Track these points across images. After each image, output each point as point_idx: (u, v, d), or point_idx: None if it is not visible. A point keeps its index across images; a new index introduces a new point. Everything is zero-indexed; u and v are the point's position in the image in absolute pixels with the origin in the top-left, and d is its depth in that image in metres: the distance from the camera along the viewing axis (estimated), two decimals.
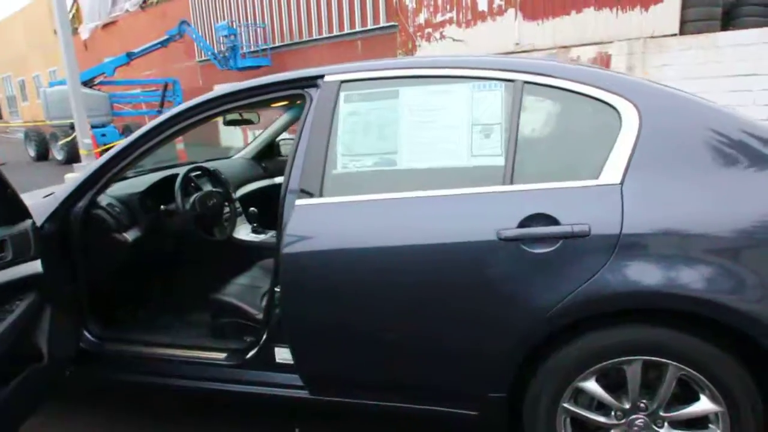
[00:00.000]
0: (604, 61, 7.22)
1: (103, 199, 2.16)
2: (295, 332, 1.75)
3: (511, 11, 9.20)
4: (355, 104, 1.77)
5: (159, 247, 2.45)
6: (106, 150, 10.87)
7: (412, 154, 1.69)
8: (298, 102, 2.53)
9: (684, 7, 7.20)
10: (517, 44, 8.66)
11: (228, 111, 1.97)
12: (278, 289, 1.81)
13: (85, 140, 6.52)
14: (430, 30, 10.16)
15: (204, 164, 2.70)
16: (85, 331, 2.11)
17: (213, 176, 2.59)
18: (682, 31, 6.92)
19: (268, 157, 3.40)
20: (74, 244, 2.03)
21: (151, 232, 2.29)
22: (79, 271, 2.06)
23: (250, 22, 12.72)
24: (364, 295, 1.65)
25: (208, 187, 2.48)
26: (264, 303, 2.21)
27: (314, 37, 11.59)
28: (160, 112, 12.66)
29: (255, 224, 2.74)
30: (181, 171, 2.38)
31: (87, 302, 2.11)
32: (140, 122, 13.44)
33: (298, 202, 1.72)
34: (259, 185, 3.26)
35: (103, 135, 11.04)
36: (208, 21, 14.24)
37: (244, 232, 2.74)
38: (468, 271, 1.55)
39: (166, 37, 12.27)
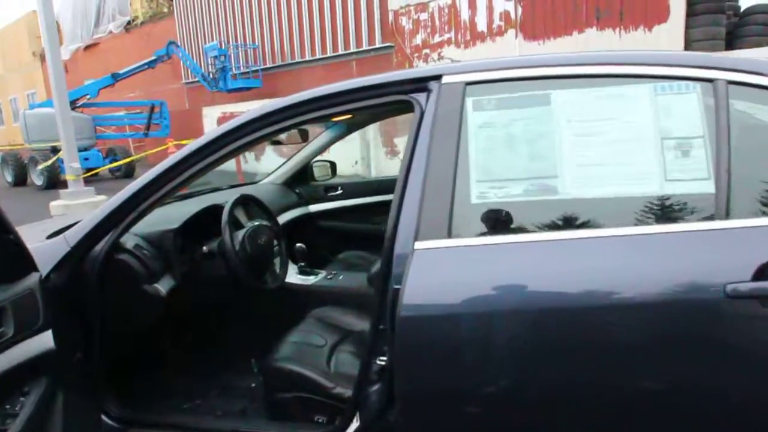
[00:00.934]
0: None
1: (129, 240, 1.63)
2: (421, 421, 1.25)
3: (511, 32, 8.97)
4: (488, 113, 1.30)
5: (196, 300, 1.92)
6: (91, 174, 10.20)
7: (578, 178, 1.22)
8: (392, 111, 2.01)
9: (688, 27, 7.05)
10: None
11: (301, 123, 1.48)
12: (382, 360, 1.32)
13: (73, 164, 5.89)
14: (427, 51, 9.85)
15: (247, 191, 2.17)
16: (103, 414, 1.56)
17: (257, 207, 2.07)
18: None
19: (302, 181, 2.90)
20: (90, 301, 1.49)
21: (188, 281, 1.76)
22: (96, 335, 1.52)
23: (240, 42, 12.26)
24: (520, 371, 1.17)
25: (254, 221, 1.98)
26: (332, 364, 1.72)
27: (307, 59, 11.19)
28: (146, 135, 12.02)
29: (302, 263, 2.23)
30: (228, 201, 1.85)
31: (106, 376, 1.56)
32: (124, 145, 12.76)
33: (419, 245, 1.23)
34: (294, 214, 2.75)
35: (86, 159, 10.35)
36: (197, 42, 13.73)
37: (290, 273, 2.22)
38: (681, 342, 1.09)
39: (153, 57, 11.70)
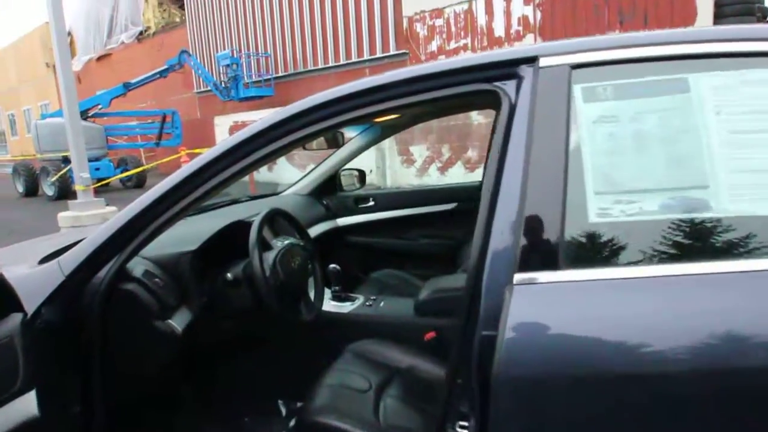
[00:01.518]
0: None
1: (137, 266, 1.33)
2: None
3: (530, 36, 8.66)
4: (605, 104, 0.98)
5: (217, 336, 1.62)
6: (102, 185, 9.97)
7: (737, 189, 0.90)
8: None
9: None
10: None
11: (348, 122, 1.16)
12: (464, 428, 1.02)
13: (83, 175, 5.62)
14: (443, 57, 9.58)
15: (271, 204, 1.85)
16: None
17: (287, 222, 1.75)
18: None
19: (329, 192, 2.60)
20: (90, 342, 1.19)
21: (208, 314, 1.45)
22: (97, 383, 1.22)
23: (252, 51, 12.05)
24: None
25: (284, 239, 1.67)
26: (381, 413, 1.43)
27: (320, 66, 10.95)
28: (157, 145, 11.82)
29: (336, 287, 1.92)
30: (256, 216, 1.53)
31: (110, 430, 1.25)
32: (136, 155, 12.57)
33: (520, 278, 0.92)
34: (322, 229, 2.44)
35: (97, 169, 10.15)
36: (208, 51, 13.56)
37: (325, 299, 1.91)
38: None
39: (165, 66, 11.52)
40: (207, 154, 1.16)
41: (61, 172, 9.95)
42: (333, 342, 1.74)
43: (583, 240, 0.93)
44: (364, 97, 1.11)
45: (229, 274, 1.44)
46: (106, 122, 11.85)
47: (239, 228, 1.59)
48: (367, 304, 1.90)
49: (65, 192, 9.86)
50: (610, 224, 0.93)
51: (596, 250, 0.93)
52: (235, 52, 12.05)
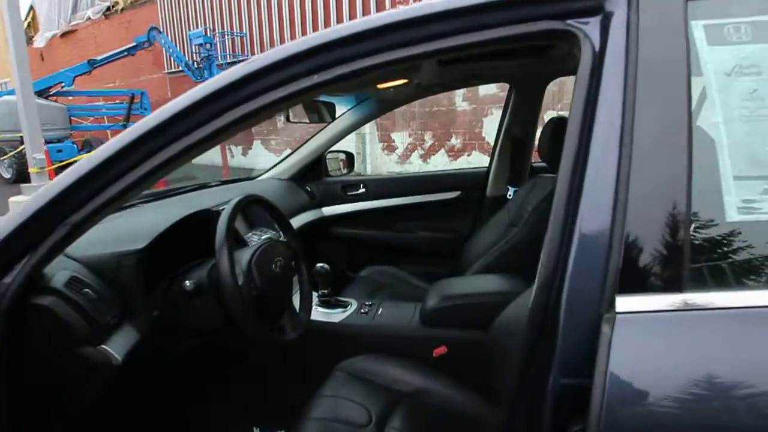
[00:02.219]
0: None
1: (59, 271, 0.97)
2: None
3: None
4: (741, 49, 0.67)
5: (174, 359, 1.26)
6: (64, 167, 9.34)
7: None
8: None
9: None
10: None
11: (360, 72, 0.81)
12: None
13: (37, 156, 5.10)
14: None
15: (253, 191, 1.48)
16: None
17: (266, 212, 1.39)
18: None
19: (314, 177, 2.25)
20: None
21: (161, 334, 1.09)
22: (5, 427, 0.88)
23: (227, 30, 11.45)
24: None
25: (261, 233, 1.32)
26: None
27: None
28: (125, 126, 11.16)
29: (324, 290, 1.58)
30: (227, 206, 1.16)
31: None
32: (102, 137, 11.87)
33: (623, 302, 0.61)
34: (306, 219, 2.09)
35: (59, 151, 9.49)
36: (180, 29, 12.87)
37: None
38: None
39: (133, 44, 10.84)
40: (163, 111, 0.81)
41: (11, 153, 9.28)
42: (321, 359, 1.42)
43: (719, 247, 0.62)
44: (382, 37, 0.77)
45: (187, 281, 1.08)
46: (70, 102, 11.11)
47: (203, 219, 1.24)
48: (362, 311, 1.57)
49: (24, 174, 9.19)
50: (759, 224, 0.62)
51: (739, 263, 0.63)
52: (208, 30, 11.42)
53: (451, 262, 2.12)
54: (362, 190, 2.27)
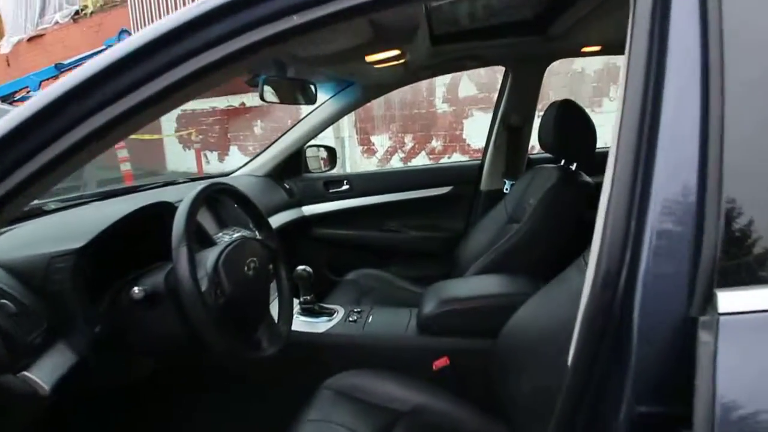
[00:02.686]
0: (612, 72, 6.39)
1: None
2: None
3: None
4: None
5: (122, 382, 1.04)
6: None
7: None
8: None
9: None
10: None
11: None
12: None
13: None
14: None
15: (221, 179, 1.26)
16: None
17: (239, 205, 1.18)
18: None
19: (292, 173, 2.05)
20: None
21: (104, 353, 0.88)
22: None
23: None
24: None
25: (232, 233, 1.12)
26: None
27: None
28: None
29: (307, 297, 1.39)
30: (188, 195, 0.95)
31: None
32: None
33: (726, 298, 0.43)
34: (284, 219, 1.89)
35: None
36: None
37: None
38: None
39: (103, 47, 10.46)
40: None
41: None
42: (304, 376, 1.22)
43: None
44: None
45: (137, 288, 0.87)
46: None
47: (160, 214, 1.03)
48: (351, 319, 1.37)
49: None
50: None
51: None
52: None
53: (444, 264, 1.95)
54: (346, 186, 2.08)
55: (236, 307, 0.91)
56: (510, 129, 1.86)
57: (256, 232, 1.17)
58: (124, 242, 0.97)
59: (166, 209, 0.92)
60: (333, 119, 1.87)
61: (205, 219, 1.45)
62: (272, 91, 1.42)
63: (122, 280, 0.92)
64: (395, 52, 1.11)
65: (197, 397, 1.29)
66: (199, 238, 1.17)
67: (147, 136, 8.89)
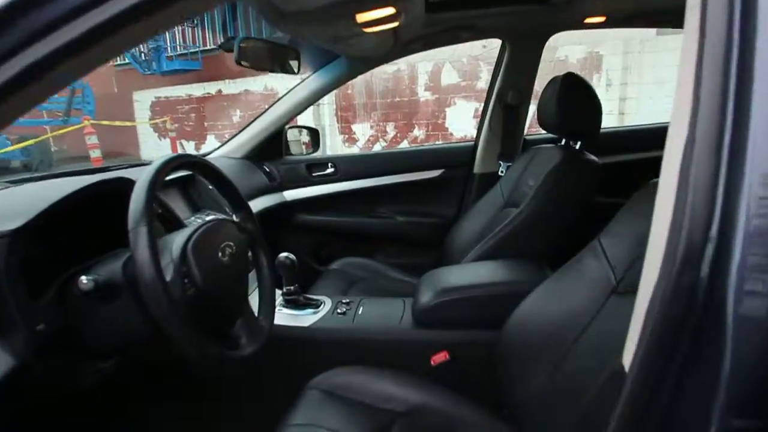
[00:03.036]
0: (595, 61, 6.35)
1: None
2: None
3: None
4: None
5: (79, 402, 0.89)
6: None
7: None
8: None
9: None
10: (485, 47, 7.63)
11: None
12: None
13: None
14: None
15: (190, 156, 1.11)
16: None
17: (212, 182, 1.03)
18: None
19: (272, 155, 1.90)
20: None
21: (54, 359, 0.74)
22: None
23: None
24: None
25: (205, 216, 0.97)
26: None
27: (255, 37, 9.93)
28: (65, 122, 10.34)
29: (290, 287, 1.25)
30: (149, 166, 0.80)
31: None
32: (39, 133, 10.97)
33: None
34: (264, 205, 1.75)
35: None
36: None
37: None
38: None
39: None
40: None
41: None
42: (289, 375, 1.09)
43: None
44: None
45: (84, 278, 0.73)
46: None
47: (121, 193, 0.88)
48: (339, 311, 1.24)
49: None
50: None
51: None
52: None
53: (435, 251, 1.83)
54: (330, 170, 1.94)
55: (209, 299, 0.77)
56: (506, 107, 1.75)
57: (234, 215, 1.03)
58: (76, 224, 0.82)
59: (129, 187, 0.78)
60: (317, 96, 1.73)
61: (176, 202, 1.30)
62: (249, 54, 1.26)
63: (73, 269, 0.78)
64: (389, 11, 0.98)
65: (166, 404, 1.15)
66: (166, 222, 1.03)
67: (119, 123, 8.56)
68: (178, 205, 1.30)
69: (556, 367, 0.97)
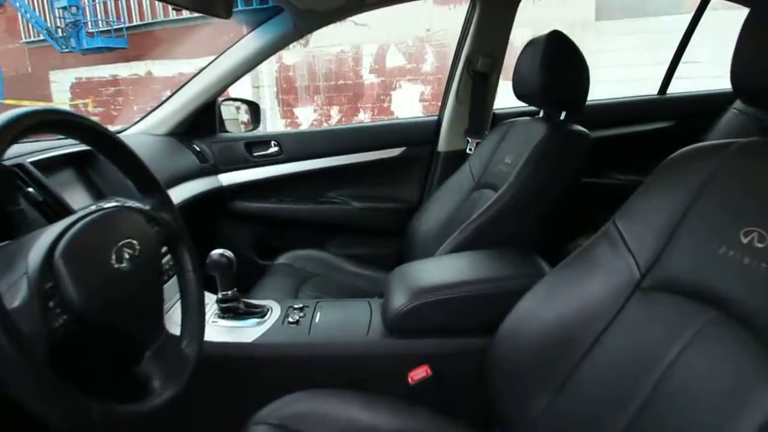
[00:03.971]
0: None
1: None
2: None
3: None
4: None
5: None
6: None
7: None
8: None
9: None
10: (428, 30, 7.45)
11: None
12: None
13: None
14: None
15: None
16: None
17: (115, 160, 0.75)
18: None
19: (204, 132, 1.60)
20: None
21: None
22: None
23: None
24: None
25: (107, 202, 0.69)
26: None
27: (186, 15, 9.23)
28: None
29: (227, 292, 0.98)
30: None
31: None
32: None
33: None
34: (196, 190, 1.45)
35: None
36: None
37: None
38: None
39: None
40: None
41: None
42: (226, 407, 0.84)
43: None
44: None
45: None
46: None
47: None
48: (290, 319, 0.99)
49: None
50: None
51: None
52: None
53: (398, 241, 1.61)
54: (274, 149, 1.66)
55: (95, 329, 0.50)
56: (476, 75, 1.54)
57: (145, 203, 0.75)
58: None
59: None
60: (255, 59, 1.43)
61: (72, 188, 0.99)
62: None
63: None
64: None
65: None
66: (52, 213, 0.73)
67: (28, 104, 7.69)
68: (74, 191, 0.99)
69: (564, 384, 0.78)
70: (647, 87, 1.93)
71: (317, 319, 0.99)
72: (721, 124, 1.65)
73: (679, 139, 1.75)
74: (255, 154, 1.64)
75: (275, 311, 1.02)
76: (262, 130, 1.86)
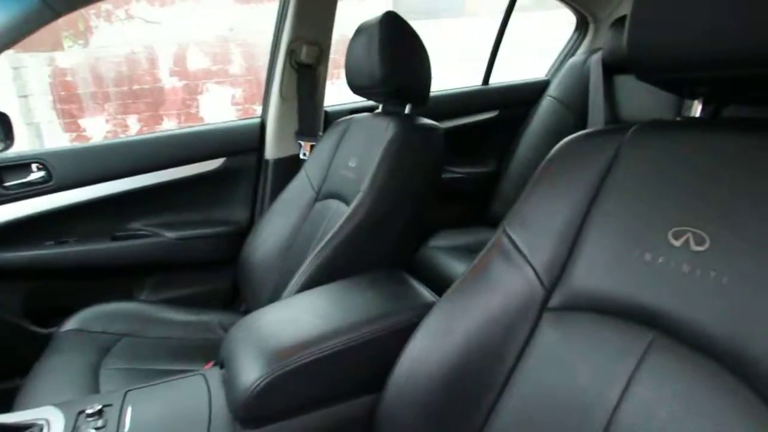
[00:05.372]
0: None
1: None
2: None
3: None
4: None
5: None
6: None
7: None
8: None
9: None
10: (232, 30, 6.97)
11: None
12: None
13: None
14: (110, 7, 7.34)
15: None
16: None
17: None
18: None
19: None
20: None
21: None
22: None
23: None
24: None
25: None
26: None
27: None
28: None
29: None
30: None
31: None
32: None
33: None
34: None
35: None
36: None
37: None
38: None
39: None
40: None
41: None
42: None
43: None
44: None
45: None
46: None
47: None
48: (88, 424, 0.64)
49: None
50: None
51: None
52: None
53: (229, 270, 1.31)
54: (38, 174, 1.20)
55: None
56: (301, 68, 1.31)
57: None
58: None
59: None
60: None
61: None
62: None
63: None
64: None
65: None
66: None
67: None
68: None
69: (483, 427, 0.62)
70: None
71: (127, 426, 0.66)
72: (539, 111, 1.72)
73: (504, 127, 1.80)
74: (7, 183, 1.17)
75: (55, 426, 0.66)
76: (21, 150, 1.37)
